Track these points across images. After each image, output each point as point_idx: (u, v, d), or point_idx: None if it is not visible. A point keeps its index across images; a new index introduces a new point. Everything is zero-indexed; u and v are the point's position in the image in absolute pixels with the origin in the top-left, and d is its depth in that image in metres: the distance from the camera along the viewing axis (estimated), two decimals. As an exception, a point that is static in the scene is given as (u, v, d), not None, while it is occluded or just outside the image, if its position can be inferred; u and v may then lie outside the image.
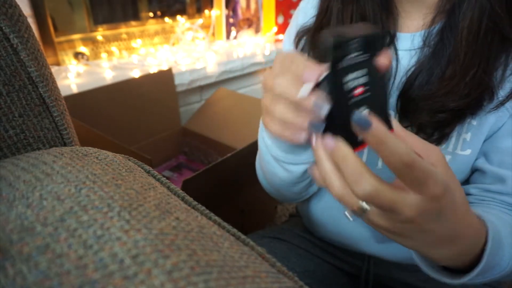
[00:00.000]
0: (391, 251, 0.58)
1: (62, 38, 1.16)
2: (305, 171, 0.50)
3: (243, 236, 0.26)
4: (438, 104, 0.42)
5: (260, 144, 0.54)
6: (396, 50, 0.47)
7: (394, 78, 0.48)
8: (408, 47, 0.47)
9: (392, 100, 0.48)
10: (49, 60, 1.14)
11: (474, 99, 0.41)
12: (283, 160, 0.47)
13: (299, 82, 0.31)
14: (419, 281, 0.60)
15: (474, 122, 0.45)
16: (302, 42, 0.53)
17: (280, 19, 1.60)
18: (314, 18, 0.52)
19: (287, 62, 0.32)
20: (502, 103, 0.42)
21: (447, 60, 0.42)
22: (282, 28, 1.61)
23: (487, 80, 0.41)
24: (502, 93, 0.42)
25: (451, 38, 0.42)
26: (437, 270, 0.41)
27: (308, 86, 0.30)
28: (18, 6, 0.32)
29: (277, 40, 1.60)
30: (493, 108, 0.43)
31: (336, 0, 0.47)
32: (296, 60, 0.32)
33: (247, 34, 1.60)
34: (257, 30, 1.64)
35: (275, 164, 0.50)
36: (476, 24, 0.39)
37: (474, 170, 0.49)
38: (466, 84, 0.40)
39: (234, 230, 0.26)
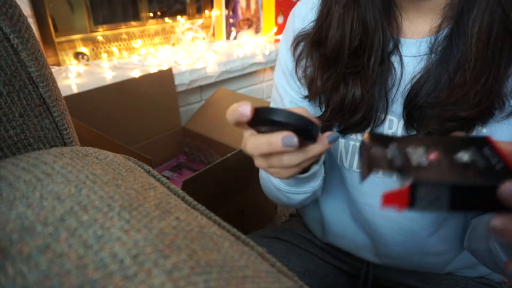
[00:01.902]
0: (391, 261, 0.58)
1: (62, 38, 1.16)
2: (307, 198, 0.52)
3: (243, 236, 0.26)
4: (449, 113, 0.41)
5: (261, 172, 0.55)
6: (400, 56, 0.46)
7: (399, 84, 0.46)
8: (414, 53, 0.46)
9: (396, 106, 0.47)
10: (50, 60, 1.14)
11: (485, 108, 0.40)
12: (286, 190, 0.49)
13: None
14: (417, 281, 0.60)
15: (484, 130, 0.44)
16: (300, 47, 0.52)
17: (280, 19, 1.60)
18: (313, 23, 0.50)
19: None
20: None
21: (455, 66, 0.41)
22: (282, 28, 1.60)
23: (498, 88, 0.39)
24: None
25: (460, 44, 0.41)
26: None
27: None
28: (18, 6, 0.32)
29: (277, 40, 1.60)
30: (504, 117, 0.41)
31: (337, 5, 0.46)
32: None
33: (247, 34, 1.60)
34: (257, 30, 1.64)
35: (277, 192, 0.52)
36: (486, 31, 0.38)
37: None
38: (477, 92, 0.39)
39: (234, 230, 0.26)
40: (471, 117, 0.41)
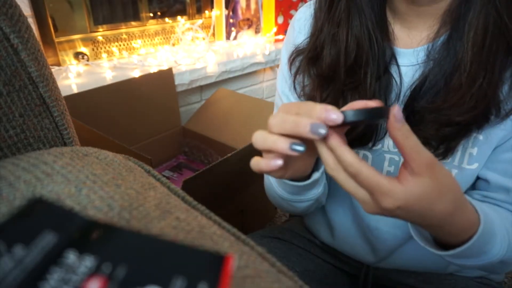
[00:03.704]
0: (392, 264, 0.58)
1: (62, 38, 1.16)
2: (311, 205, 0.52)
3: (243, 236, 0.26)
4: (444, 118, 0.41)
5: (265, 181, 0.55)
6: (398, 66, 0.46)
7: (399, 95, 0.46)
8: (411, 62, 0.45)
9: None
10: (50, 60, 1.14)
11: (481, 112, 0.40)
12: (288, 199, 0.50)
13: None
14: (418, 281, 0.60)
15: (481, 137, 0.44)
16: (297, 63, 0.52)
17: (280, 19, 1.60)
18: (308, 40, 0.50)
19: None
20: (507, 115, 0.41)
21: (452, 70, 0.41)
22: (282, 28, 1.60)
23: (492, 91, 0.39)
24: (509, 107, 0.41)
25: (456, 48, 0.40)
26: (429, 243, 0.41)
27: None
28: (19, 6, 0.32)
29: (277, 40, 1.60)
30: (499, 120, 0.41)
31: (328, 23, 0.46)
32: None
33: (247, 35, 1.60)
34: (257, 31, 1.64)
35: (281, 201, 0.52)
36: (482, 33, 0.38)
37: (478, 179, 0.49)
38: (472, 96, 0.39)
39: (234, 230, 0.26)
40: (467, 122, 0.41)
